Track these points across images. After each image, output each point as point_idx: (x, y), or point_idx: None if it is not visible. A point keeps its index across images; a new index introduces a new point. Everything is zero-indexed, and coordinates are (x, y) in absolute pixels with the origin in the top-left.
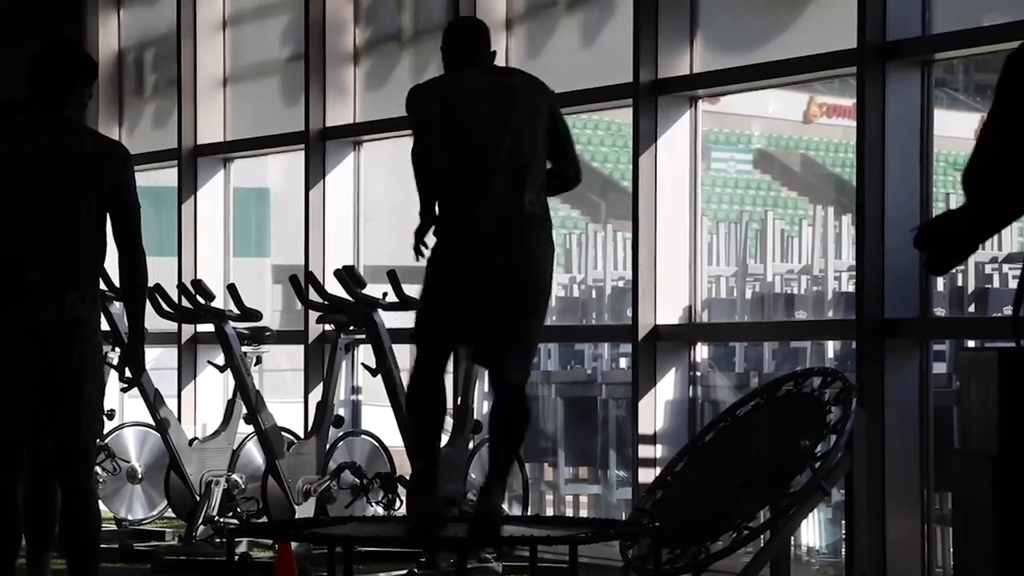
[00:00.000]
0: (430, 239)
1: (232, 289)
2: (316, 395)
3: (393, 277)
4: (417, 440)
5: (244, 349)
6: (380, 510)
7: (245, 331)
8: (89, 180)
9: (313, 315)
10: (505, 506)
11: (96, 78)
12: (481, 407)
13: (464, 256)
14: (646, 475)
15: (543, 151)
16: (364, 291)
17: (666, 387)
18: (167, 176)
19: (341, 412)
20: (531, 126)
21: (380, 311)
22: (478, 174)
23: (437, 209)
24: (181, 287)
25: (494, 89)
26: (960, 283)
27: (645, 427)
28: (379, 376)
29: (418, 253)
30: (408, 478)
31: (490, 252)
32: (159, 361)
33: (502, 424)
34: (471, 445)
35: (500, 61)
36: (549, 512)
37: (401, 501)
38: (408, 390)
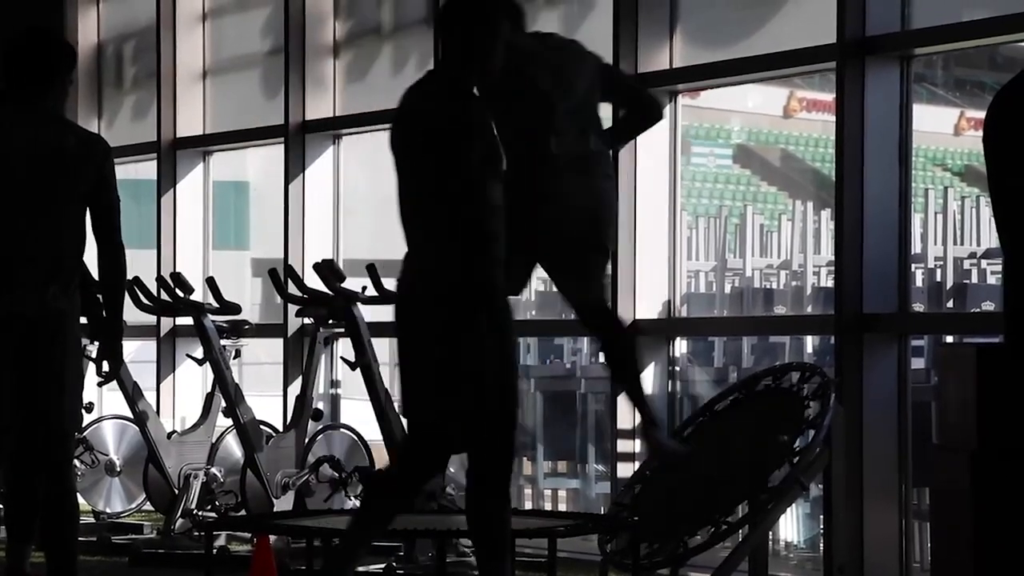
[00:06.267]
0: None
1: (211, 282)
2: (295, 389)
3: (372, 271)
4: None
5: (223, 342)
6: (359, 504)
7: (224, 324)
8: (70, 175)
9: (292, 308)
10: None
11: (75, 65)
12: None
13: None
14: (625, 469)
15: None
16: (343, 285)
17: (645, 381)
18: (146, 169)
19: (320, 406)
20: (581, 72)
21: (359, 305)
22: (543, 116)
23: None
24: (160, 280)
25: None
26: (939, 279)
27: (624, 421)
28: (358, 370)
29: None
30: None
31: (565, 185)
32: (138, 354)
33: (615, 359)
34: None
35: None
36: (528, 506)
37: None
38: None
